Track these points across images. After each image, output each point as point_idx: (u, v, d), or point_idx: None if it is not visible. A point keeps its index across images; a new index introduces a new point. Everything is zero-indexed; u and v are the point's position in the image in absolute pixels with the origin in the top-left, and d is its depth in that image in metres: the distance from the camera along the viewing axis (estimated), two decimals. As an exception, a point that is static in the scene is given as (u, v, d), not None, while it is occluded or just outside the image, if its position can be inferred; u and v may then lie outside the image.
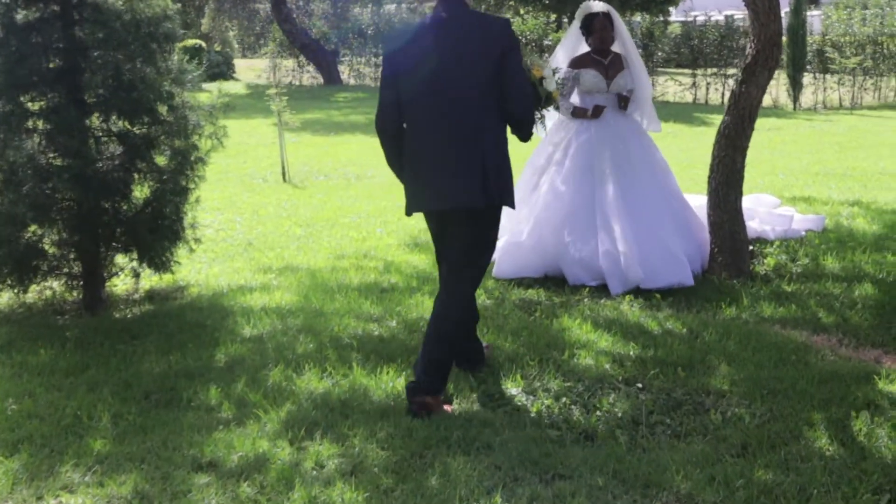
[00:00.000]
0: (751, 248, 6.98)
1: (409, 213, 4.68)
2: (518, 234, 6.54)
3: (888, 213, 8.38)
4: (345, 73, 28.05)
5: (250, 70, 31.00)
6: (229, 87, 26.45)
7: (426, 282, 6.41)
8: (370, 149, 14.35)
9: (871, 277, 6.34)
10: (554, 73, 4.92)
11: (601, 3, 6.72)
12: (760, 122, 18.16)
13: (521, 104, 4.43)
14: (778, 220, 7.47)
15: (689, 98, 23.82)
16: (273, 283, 6.53)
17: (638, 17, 24.84)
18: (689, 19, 30.61)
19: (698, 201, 7.20)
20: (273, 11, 26.77)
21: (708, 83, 23.59)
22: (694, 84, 23.82)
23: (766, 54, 6.68)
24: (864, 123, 18.35)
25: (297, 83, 28.18)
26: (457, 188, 4.36)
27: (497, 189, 4.38)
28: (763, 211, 7.57)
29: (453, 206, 4.41)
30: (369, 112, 20.69)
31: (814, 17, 26.23)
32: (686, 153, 13.62)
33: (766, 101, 22.81)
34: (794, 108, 21.86)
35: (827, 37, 23.07)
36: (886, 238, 7.37)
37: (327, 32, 27.46)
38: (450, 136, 4.37)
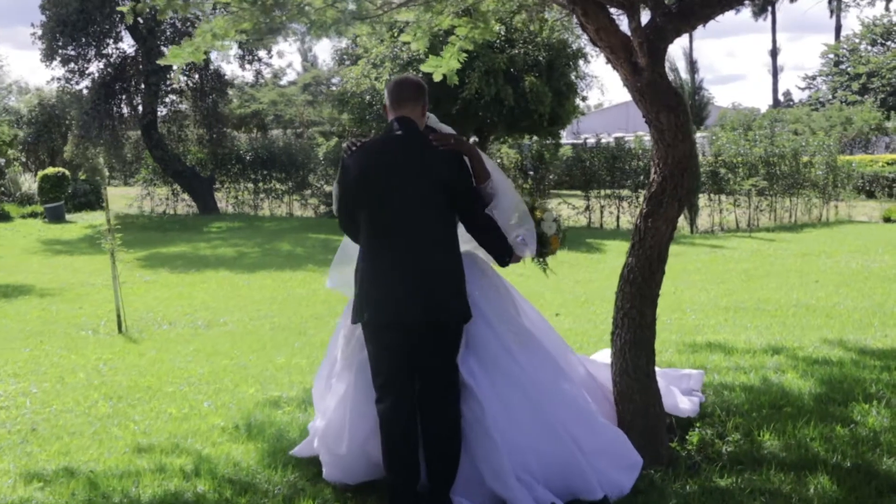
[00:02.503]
0: (668, 420, 5.55)
1: (356, 321, 4.60)
2: (335, 441, 4.91)
3: (820, 363, 7.08)
4: (223, 201, 26.42)
5: (124, 198, 29.11)
6: (95, 217, 24.59)
7: (245, 491, 4.75)
8: (231, 288, 12.72)
9: (823, 463, 4.93)
10: (556, 221, 5.18)
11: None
12: (658, 248, 17.36)
13: (488, 244, 4.70)
14: (678, 381, 6.10)
15: (583, 221, 22.92)
16: (36, 497, 4.77)
17: (527, 140, 24.11)
18: (580, 141, 30.10)
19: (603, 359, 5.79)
20: (143, 137, 25.16)
21: (602, 205, 22.76)
22: (588, 207, 22.96)
23: (674, 181, 5.38)
24: (765, 248, 17.51)
25: (172, 212, 26.42)
26: (425, 301, 4.38)
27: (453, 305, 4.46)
28: (661, 372, 6.16)
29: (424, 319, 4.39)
30: (241, 244, 19.22)
31: (703, 138, 25.93)
32: (583, 286, 12.35)
33: (662, 223, 22.13)
34: (692, 232, 21.09)
35: (720, 157, 22.54)
36: (828, 400, 6.02)
37: (203, 158, 25.90)
38: (405, 255, 4.39)
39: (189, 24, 24.92)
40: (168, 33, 24.07)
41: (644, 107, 5.46)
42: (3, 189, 25.36)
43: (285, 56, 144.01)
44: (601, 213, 22.74)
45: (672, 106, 5.35)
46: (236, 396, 6.63)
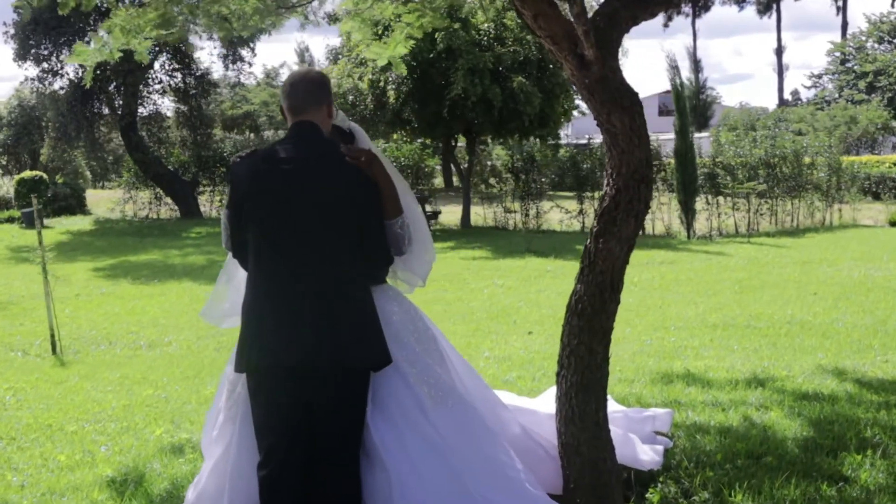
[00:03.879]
0: (625, 475, 4.72)
1: (240, 369, 3.76)
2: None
3: (810, 398, 6.22)
4: (206, 204, 25.62)
5: (107, 202, 28.35)
6: (74, 222, 23.86)
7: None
8: (189, 301, 11.92)
9: (805, 536, 4.10)
10: None
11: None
12: (651, 255, 16.43)
13: (380, 259, 3.89)
14: (640, 425, 5.27)
15: (576, 226, 22.05)
16: None
17: (529, 141, 23.21)
18: (583, 142, 28.96)
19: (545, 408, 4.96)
20: (122, 139, 24.39)
21: (596, 209, 21.82)
22: (581, 211, 22.09)
23: (629, 194, 4.57)
24: (763, 255, 16.63)
25: (155, 216, 25.64)
26: (324, 340, 3.59)
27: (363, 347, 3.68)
28: (619, 415, 5.32)
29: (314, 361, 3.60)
30: (215, 251, 18.35)
31: (702, 139, 25.00)
32: (564, 299, 11.48)
33: (659, 227, 21.31)
34: (689, 236, 20.22)
35: (718, 159, 21.66)
36: (816, 448, 5.16)
37: (186, 161, 25.10)
38: (298, 285, 3.62)
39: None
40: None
41: (593, 107, 4.64)
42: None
43: (279, 55, 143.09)
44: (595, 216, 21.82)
45: (625, 106, 4.53)
46: (141, 438, 5.82)
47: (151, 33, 6.69)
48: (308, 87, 3.80)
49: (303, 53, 64.13)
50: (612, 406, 5.48)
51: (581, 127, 43.41)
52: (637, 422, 5.29)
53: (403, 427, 3.81)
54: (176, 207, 25.00)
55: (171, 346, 9.27)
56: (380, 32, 20.03)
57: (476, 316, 10.39)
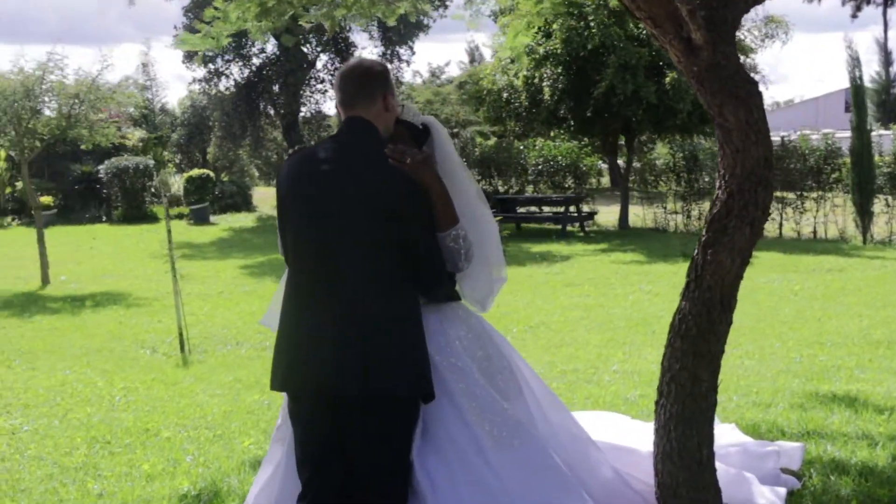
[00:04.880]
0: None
1: (272, 387, 3.42)
2: None
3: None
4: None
5: (272, 199, 29.04)
6: (238, 219, 24.47)
7: None
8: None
9: None
10: None
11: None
12: (819, 261, 15.21)
13: (430, 279, 3.35)
14: (761, 462, 4.60)
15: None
16: None
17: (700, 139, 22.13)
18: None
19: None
20: (284, 137, 24.87)
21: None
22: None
23: (744, 199, 3.97)
24: (947, 262, 15.19)
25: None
26: (357, 365, 3.18)
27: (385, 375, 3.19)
28: (735, 450, 4.67)
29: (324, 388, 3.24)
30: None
31: (884, 136, 23.20)
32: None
33: (832, 231, 19.85)
34: (864, 241, 18.76)
35: (901, 156, 19.98)
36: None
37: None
38: (328, 300, 3.24)
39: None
40: (306, 29, 23.65)
41: (704, 98, 4.06)
42: (153, 190, 25.60)
43: (446, 55, 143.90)
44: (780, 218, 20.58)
45: (741, 97, 3.95)
46: (229, 448, 5.59)
47: (251, 23, 6.52)
48: (359, 79, 3.40)
49: (473, 52, 64.15)
50: (730, 437, 4.86)
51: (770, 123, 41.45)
52: (757, 457, 4.64)
53: (456, 467, 3.35)
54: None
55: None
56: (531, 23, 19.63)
57: (613, 324, 9.78)
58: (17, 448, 5.82)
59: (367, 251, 3.21)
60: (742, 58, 21.69)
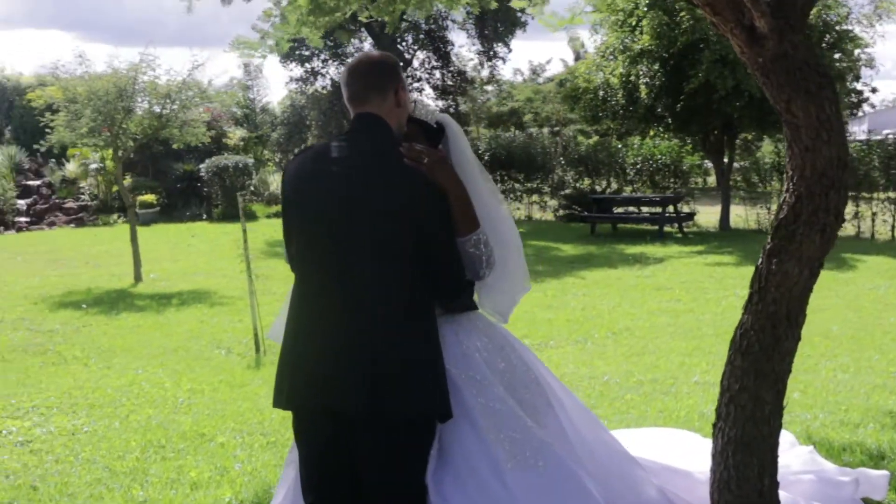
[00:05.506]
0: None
1: (275, 403, 3.21)
2: None
3: None
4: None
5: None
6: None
7: None
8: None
9: None
10: None
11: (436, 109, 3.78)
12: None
13: (450, 287, 3.11)
14: (836, 490, 4.19)
15: (850, 230, 19.91)
16: None
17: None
18: (879, 137, 25.95)
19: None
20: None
21: (874, 212, 19.64)
22: (857, 214, 19.89)
23: (814, 203, 3.61)
24: None
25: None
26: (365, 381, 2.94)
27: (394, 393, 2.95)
28: (808, 477, 4.26)
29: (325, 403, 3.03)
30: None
31: None
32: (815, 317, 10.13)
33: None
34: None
35: None
36: None
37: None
38: (336, 310, 3.01)
39: (432, 19, 24.34)
40: (401, 28, 23.60)
41: (769, 92, 3.71)
42: (252, 188, 25.94)
43: (546, 52, 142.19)
44: (872, 221, 19.63)
45: (811, 91, 3.59)
46: (279, 455, 5.43)
47: (319, 21, 6.35)
48: (369, 73, 3.17)
49: (578, 52, 63.33)
50: (805, 462, 4.47)
51: (882, 120, 39.80)
52: (833, 485, 4.24)
53: (473, 490, 3.09)
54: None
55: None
56: (623, 20, 19.11)
57: (701, 332, 9.33)
58: (72, 450, 5.78)
59: (380, 257, 2.97)
60: (856, 51, 20.81)
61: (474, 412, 3.12)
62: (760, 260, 3.73)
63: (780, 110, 3.69)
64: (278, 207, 25.73)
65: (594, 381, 7.22)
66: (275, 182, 26.70)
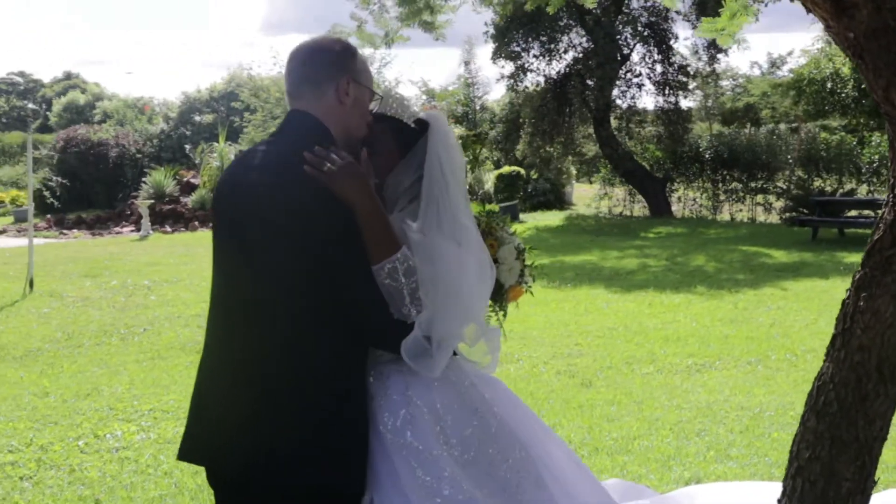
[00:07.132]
0: None
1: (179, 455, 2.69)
2: None
3: None
4: (679, 202, 24.40)
5: (586, 197, 28.44)
6: (546, 217, 24.18)
7: None
8: (582, 311, 10.97)
9: None
10: (521, 253, 3.00)
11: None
12: None
13: (364, 318, 2.46)
14: None
15: None
16: None
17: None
18: None
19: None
20: (595, 134, 24.08)
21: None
22: None
23: (917, 221, 2.77)
24: None
25: (629, 213, 25.02)
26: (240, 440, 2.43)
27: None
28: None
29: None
30: (654, 254, 17.09)
31: None
32: None
33: None
34: None
35: None
36: None
37: (661, 157, 24.08)
38: (226, 351, 2.51)
39: (654, 11, 23.33)
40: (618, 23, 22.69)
41: (865, 75, 2.90)
42: (468, 187, 25.90)
43: (790, 43, 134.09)
44: None
45: (916, 73, 2.74)
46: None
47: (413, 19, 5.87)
48: (305, 63, 2.63)
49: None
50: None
51: None
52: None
53: None
54: (647, 205, 24.13)
55: (517, 362, 8.40)
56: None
57: None
58: (157, 460, 5.64)
59: (278, 289, 2.43)
60: None
61: (410, 491, 2.48)
62: (848, 293, 2.91)
63: (877, 99, 2.86)
64: (491, 206, 25.55)
65: (743, 413, 6.33)
66: (489, 181, 26.52)
